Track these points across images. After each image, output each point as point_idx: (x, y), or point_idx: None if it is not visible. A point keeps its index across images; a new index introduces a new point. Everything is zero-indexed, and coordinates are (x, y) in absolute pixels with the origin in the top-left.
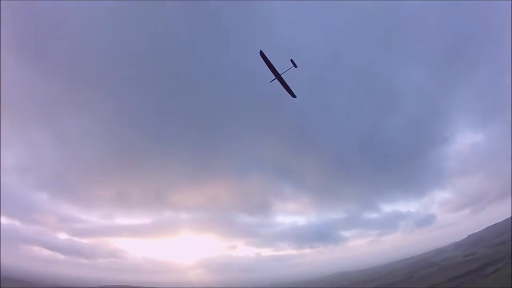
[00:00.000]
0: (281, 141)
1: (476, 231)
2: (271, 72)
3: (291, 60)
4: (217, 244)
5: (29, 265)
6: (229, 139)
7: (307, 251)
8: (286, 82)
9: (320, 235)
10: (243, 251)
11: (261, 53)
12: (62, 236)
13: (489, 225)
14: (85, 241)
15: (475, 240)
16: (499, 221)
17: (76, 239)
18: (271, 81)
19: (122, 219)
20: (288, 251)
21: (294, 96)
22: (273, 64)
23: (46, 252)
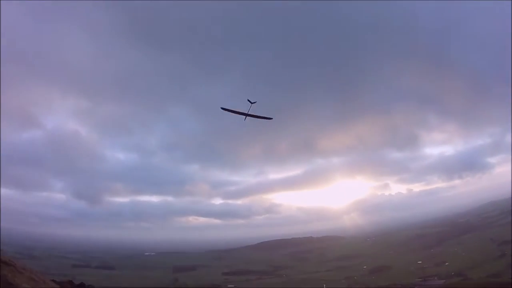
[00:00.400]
0: (421, 67)
1: None
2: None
3: (248, 100)
4: (369, 185)
5: (185, 235)
6: (368, 73)
7: (456, 182)
8: (256, 114)
9: (467, 164)
10: (394, 188)
11: (223, 108)
12: (217, 201)
13: None
14: (239, 202)
15: None
16: None
17: (230, 201)
18: (244, 119)
19: (274, 174)
20: (438, 184)
21: (270, 118)
22: (236, 110)
23: (201, 220)
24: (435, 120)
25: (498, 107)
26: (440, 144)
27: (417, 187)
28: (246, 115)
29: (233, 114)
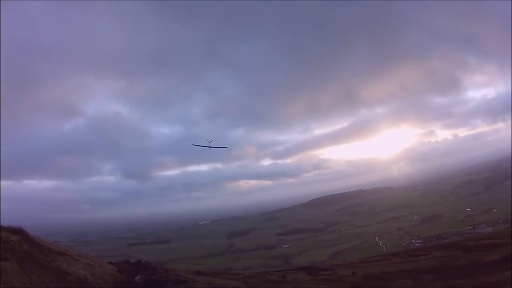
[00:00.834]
0: (458, 8)
1: None
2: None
3: (207, 140)
4: (415, 132)
5: (237, 200)
6: (406, 17)
7: (499, 125)
8: (216, 146)
9: (509, 106)
10: (440, 135)
11: (194, 145)
12: (266, 162)
13: None
14: (288, 160)
15: None
16: None
17: (279, 161)
18: (209, 149)
19: (320, 129)
20: (482, 128)
21: (225, 147)
22: (204, 145)
23: (252, 183)
24: (476, 61)
25: None
26: (482, 87)
27: (462, 132)
28: (210, 147)
29: (203, 147)
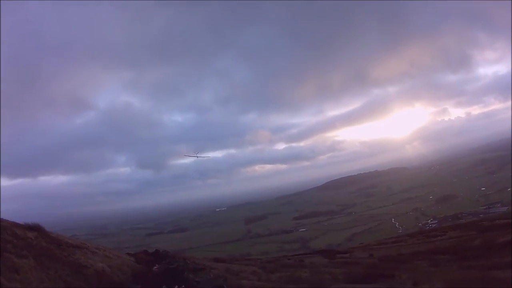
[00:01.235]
0: None
1: None
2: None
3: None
4: (428, 111)
5: (253, 185)
6: None
7: None
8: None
9: None
10: (453, 113)
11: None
12: (280, 146)
13: None
14: (302, 144)
15: None
16: None
17: (294, 144)
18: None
19: (333, 111)
20: (495, 105)
21: (208, 157)
22: (193, 155)
23: (267, 167)
24: (486, 37)
25: None
26: (493, 63)
27: (475, 110)
28: (197, 156)
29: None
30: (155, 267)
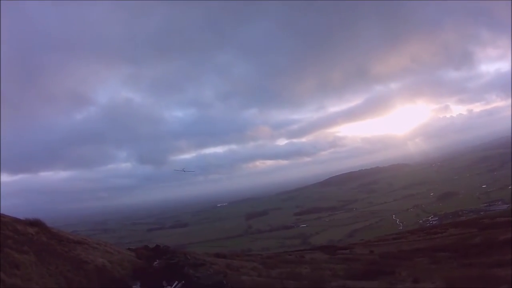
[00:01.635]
0: None
1: None
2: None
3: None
4: (430, 108)
5: (254, 181)
6: None
7: None
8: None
9: None
10: (455, 110)
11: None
12: (281, 142)
13: None
14: (304, 139)
15: None
16: None
17: (295, 140)
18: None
19: (334, 107)
20: (497, 103)
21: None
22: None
23: (268, 163)
24: (488, 34)
25: None
26: (496, 60)
27: (477, 107)
28: (184, 171)
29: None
30: (155, 263)
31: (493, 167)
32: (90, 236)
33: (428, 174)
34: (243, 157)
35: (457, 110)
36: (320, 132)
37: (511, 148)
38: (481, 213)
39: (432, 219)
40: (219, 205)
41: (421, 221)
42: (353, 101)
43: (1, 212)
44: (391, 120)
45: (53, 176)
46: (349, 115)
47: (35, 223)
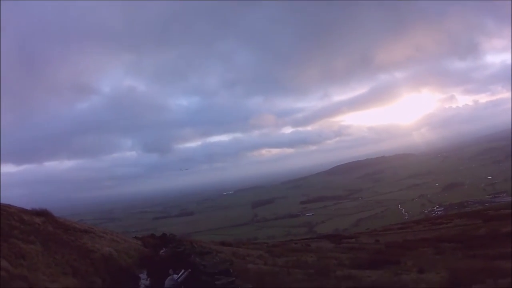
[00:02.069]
0: None
1: None
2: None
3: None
4: (435, 98)
5: (260, 169)
6: None
7: None
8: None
9: None
10: (461, 100)
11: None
12: (287, 130)
13: None
14: (309, 128)
15: None
16: None
17: (300, 129)
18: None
19: (339, 96)
20: (502, 94)
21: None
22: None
23: (274, 151)
24: (494, 25)
25: None
26: (501, 51)
27: (482, 98)
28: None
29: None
30: (162, 251)
31: (498, 159)
32: (97, 225)
33: (434, 164)
34: (248, 145)
35: (463, 100)
36: (325, 121)
37: None
38: (486, 204)
39: (437, 209)
40: (225, 193)
41: (426, 211)
42: (358, 90)
43: (8, 203)
44: (396, 110)
45: (58, 166)
46: (354, 104)
47: (42, 213)
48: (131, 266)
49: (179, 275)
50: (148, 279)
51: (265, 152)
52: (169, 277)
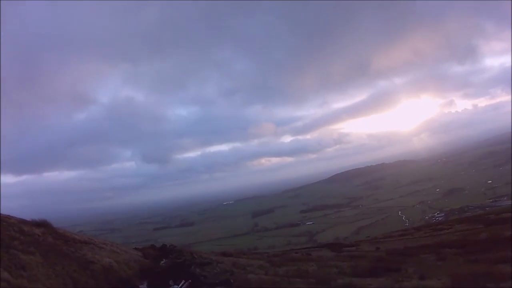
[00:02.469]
0: None
1: None
2: None
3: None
4: (435, 103)
5: (260, 178)
6: None
7: None
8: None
9: None
10: (460, 105)
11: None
12: (286, 139)
13: None
14: (308, 136)
15: None
16: None
17: (300, 137)
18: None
19: (338, 103)
20: (502, 97)
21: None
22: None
23: (274, 160)
24: (492, 28)
25: None
26: (500, 54)
27: (482, 102)
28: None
29: None
30: (162, 262)
31: (498, 163)
32: (97, 236)
33: (434, 170)
34: (248, 154)
35: (462, 104)
36: (324, 129)
37: None
38: (487, 208)
39: (438, 215)
40: (225, 203)
41: (427, 217)
42: (357, 97)
43: (8, 214)
44: (395, 116)
45: (58, 177)
46: (353, 111)
47: (41, 224)
48: (131, 278)
49: (180, 286)
50: None
51: (264, 161)
52: None
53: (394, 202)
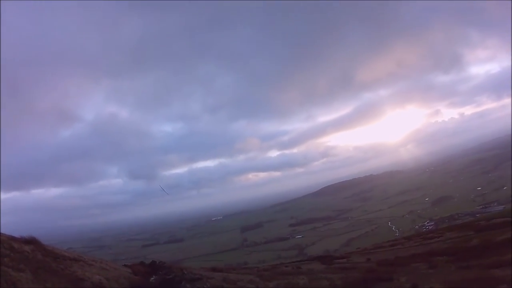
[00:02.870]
0: None
1: None
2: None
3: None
4: (421, 113)
5: (248, 193)
6: None
7: (506, 101)
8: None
9: None
10: (446, 114)
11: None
12: (273, 153)
13: None
14: (295, 150)
15: None
16: None
17: (286, 151)
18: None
19: (324, 116)
20: (488, 105)
21: (168, 194)
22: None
23: (261, 175)
24: (477, 35)
25: None
26: (485, 62)
27: (468, 110)
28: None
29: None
30: (152, 278)
31: (487, 169)
32: (86, 253)
33: (422, 179)
34: (234, 170)
35: (449, 114)
36: (311, 143)
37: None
38: (477, 215)
39: (428, 224)
40: (214, 219)
41: (417, 226)
42: (342, 110)
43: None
44: (382, 127)
45: (45, 194)
46: (339, 124)
47: (31, 241)
48: None
49: None
50: None
51: (252, 176)
52: None
53: (383, 213)
